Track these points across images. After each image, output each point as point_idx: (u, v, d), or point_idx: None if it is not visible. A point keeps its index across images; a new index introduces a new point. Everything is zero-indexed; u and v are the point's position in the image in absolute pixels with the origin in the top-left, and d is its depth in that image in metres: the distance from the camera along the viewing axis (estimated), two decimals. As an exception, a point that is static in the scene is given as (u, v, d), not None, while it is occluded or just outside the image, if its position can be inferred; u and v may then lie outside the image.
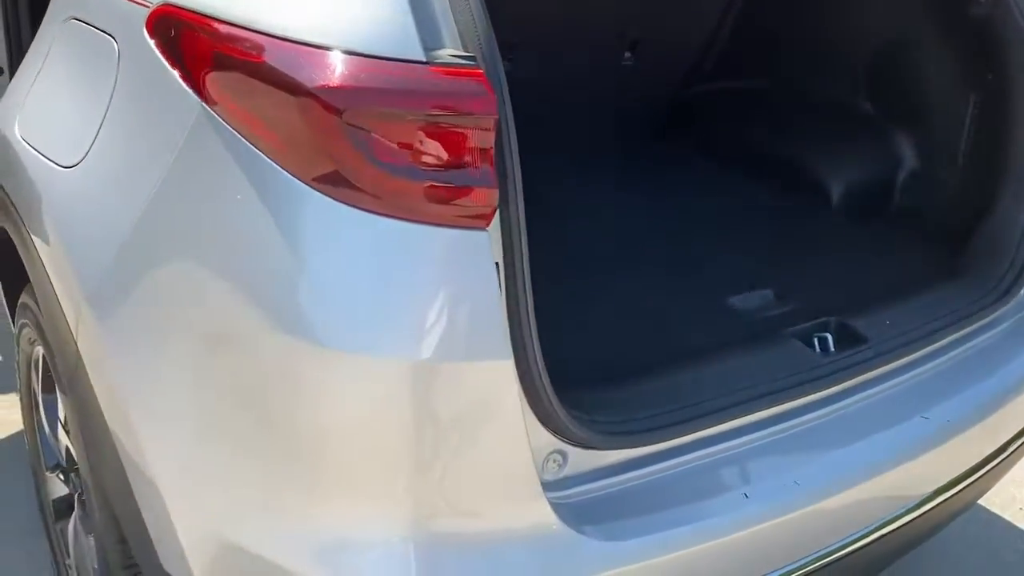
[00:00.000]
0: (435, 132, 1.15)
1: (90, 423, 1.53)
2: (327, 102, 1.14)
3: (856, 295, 1.91)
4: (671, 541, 1.40)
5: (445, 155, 1.15)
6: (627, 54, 2.69)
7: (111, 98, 1.49)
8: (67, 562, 2.17)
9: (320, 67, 1.15)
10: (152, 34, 1.39)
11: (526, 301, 1.24)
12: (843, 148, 2.43)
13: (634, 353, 1.70)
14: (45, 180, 1.60)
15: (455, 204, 1.17)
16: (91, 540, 1.83)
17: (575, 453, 1.38)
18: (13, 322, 2.31)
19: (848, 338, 1.74)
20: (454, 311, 1.19)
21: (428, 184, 1.15)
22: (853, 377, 1.67)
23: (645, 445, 1.43)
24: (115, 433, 1.48)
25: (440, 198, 1.16)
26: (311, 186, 1.19)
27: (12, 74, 2.25)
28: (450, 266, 1.19)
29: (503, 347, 1.21)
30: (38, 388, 2.05)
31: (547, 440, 1.33)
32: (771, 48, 2.70)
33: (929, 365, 1.79)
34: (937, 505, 1.74)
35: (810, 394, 1.62)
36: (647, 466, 1.45)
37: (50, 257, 1.57)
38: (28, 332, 1.97)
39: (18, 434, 2.82)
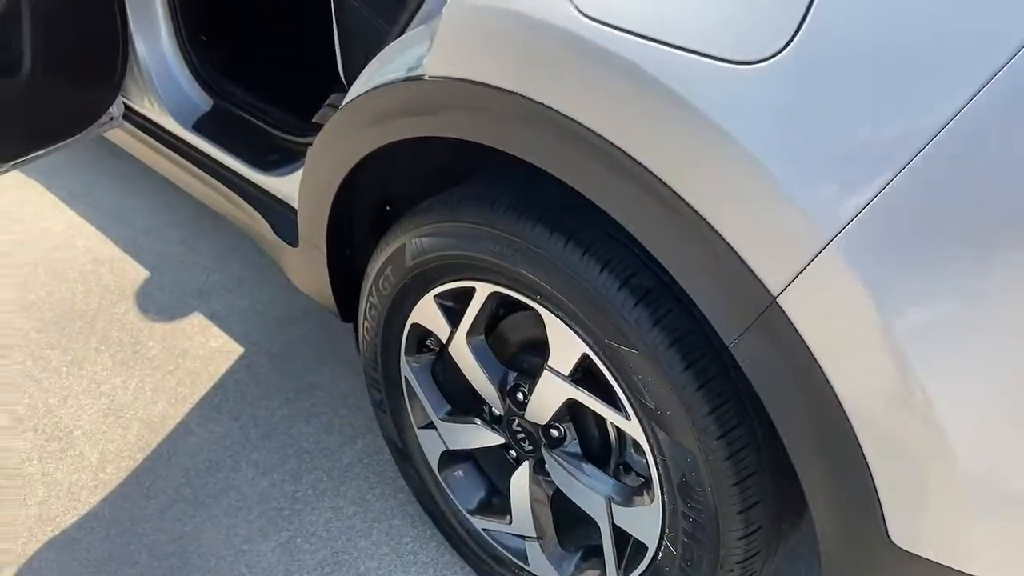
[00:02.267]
0: None
1: (784, 372, 1.25)
2: None
3: None
4: None
5: None
6: None
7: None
8: (459, 521, 1.90)
9: None
10: None
11: None
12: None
13: None
14: (699, 87, 1.15)
15: None
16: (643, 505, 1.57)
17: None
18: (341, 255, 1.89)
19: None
20: None
21: None
22: None
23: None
24: (835, 383, 1.20)
25: None
26: None
27: None
28: None
29: None
30: (458, 334, 1.68)
31: None
32: None
33: None
34: None
35: None
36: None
37: (726, 201, 1.19)
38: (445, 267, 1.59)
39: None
